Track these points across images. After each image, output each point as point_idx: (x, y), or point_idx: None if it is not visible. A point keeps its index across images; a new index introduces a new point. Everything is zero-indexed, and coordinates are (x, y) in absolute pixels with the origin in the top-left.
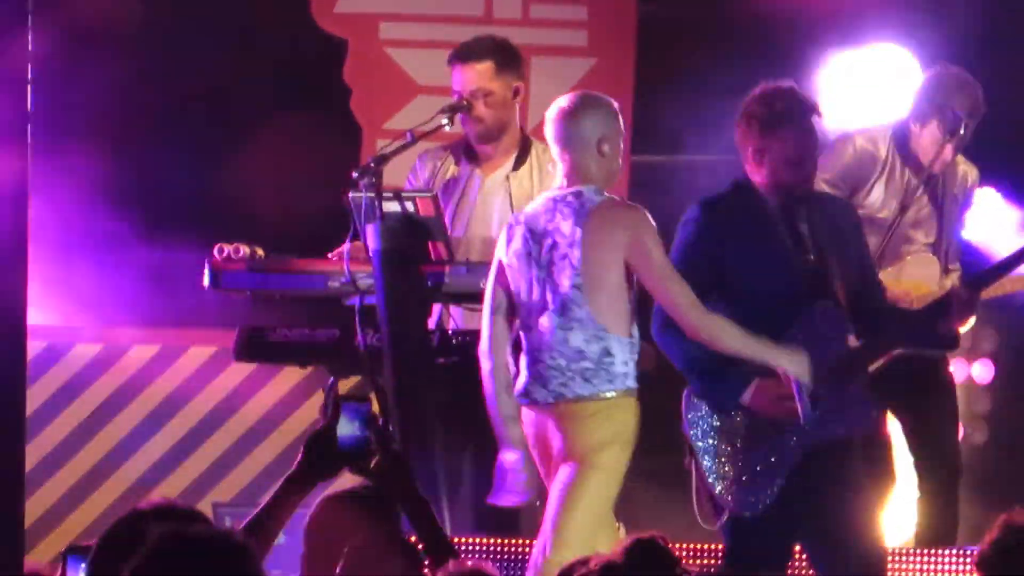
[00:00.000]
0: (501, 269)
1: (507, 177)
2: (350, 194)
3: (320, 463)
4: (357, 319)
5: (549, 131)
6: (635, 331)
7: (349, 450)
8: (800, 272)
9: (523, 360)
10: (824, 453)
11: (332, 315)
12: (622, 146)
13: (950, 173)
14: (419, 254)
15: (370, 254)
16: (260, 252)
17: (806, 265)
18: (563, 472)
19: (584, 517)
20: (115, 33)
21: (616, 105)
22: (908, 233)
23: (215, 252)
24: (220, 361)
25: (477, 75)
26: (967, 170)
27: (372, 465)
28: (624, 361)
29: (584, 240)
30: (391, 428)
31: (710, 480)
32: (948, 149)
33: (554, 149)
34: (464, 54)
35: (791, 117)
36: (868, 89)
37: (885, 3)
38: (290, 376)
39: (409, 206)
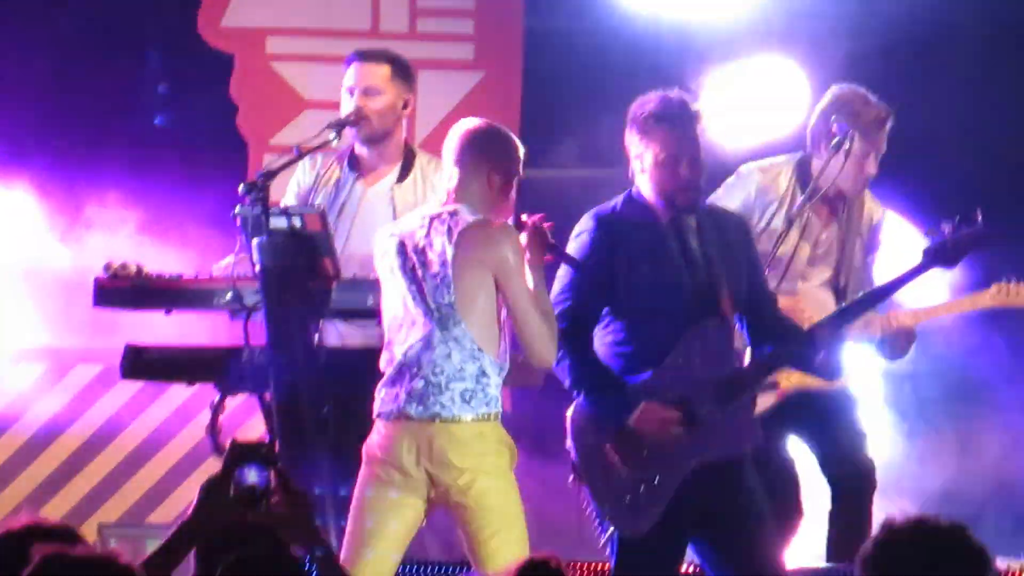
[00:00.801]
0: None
1: (391, 188)
2: (237, 209)
3: (216, 510)
4: (244, 335)
5: (449, 145)
6: (505, 356)
7: (247, 495)
8: (690, 288)
9: (389, 374)
10: (712, 473)
11: (221, 331)
12: (513, 190)
13: (856, 209)
14: (306, 270)
15: (257, 270)
16: (146, 269)
17: (696, 281)
18: (460, 518)
19: (515, 535)
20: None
21: (521, 151)
22: (805, 270)
23: (102, 269)
24: (106, 379)
25: (372, 74)
26: (872, 208)
27: (271, 508)
28: (496, 384)
29: (455, 259)
30: (276, 445)
31: (595, 500)
32: (834, 166)
33: (448, 162)
34: (363, 54)
35: (666, 118)
36: (756, 101)
37: (777, 17)
38: (177, 394)
39: (296, 222)
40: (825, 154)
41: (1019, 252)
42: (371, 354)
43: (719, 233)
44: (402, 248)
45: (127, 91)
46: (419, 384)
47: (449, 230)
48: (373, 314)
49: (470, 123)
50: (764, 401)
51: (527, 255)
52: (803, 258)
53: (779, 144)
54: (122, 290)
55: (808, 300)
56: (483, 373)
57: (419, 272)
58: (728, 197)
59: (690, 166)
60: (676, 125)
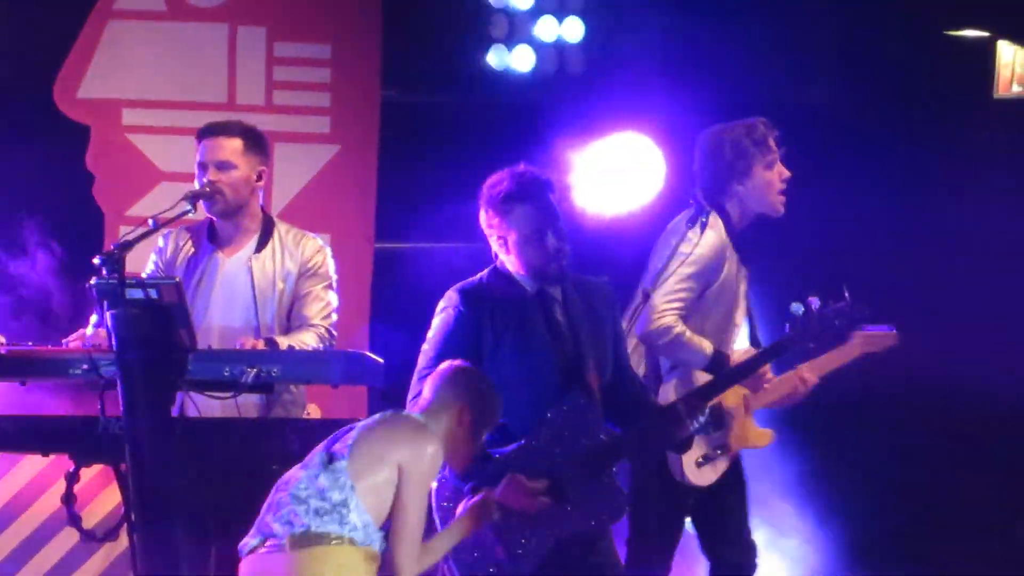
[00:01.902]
0: None
1: (249, 259)
2: (93, 280)
3: None
4: (101, 407)
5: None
6: (381, 537)
7: None
8: (556, 361)
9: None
10: (575, 545)
11: (78, 401)
12: (479, 434)
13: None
14: (162, 341)
15: (113, 341)
16: (2, 339)
17: (562, 354)
18: None
19: None
20: None
21: (498, 416)
22: (737, 319)
23: None
24: None
25: (224, 149)
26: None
27: None
28: (361, 523)
29: (374, 428)
30: (132, 517)
31: (459, 571)
32: (747, 201)
33: (427, 390)
34: (214, 128)
35: (523, 195)
36: (615, 176)
37: (625, 95)
38: (32, 464)
39: (152, 293)
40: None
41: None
42: (228, 425)
43: (585, 303)
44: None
45: None
46: (285, 496)
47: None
48: (229, 386)
49: (461, 367)
50: (721, 466)
51: (462, 516)
52: (740, 309)
53: (640, 211)
54: None
55: (738, 345)
56: (345, 505)
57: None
58: (698, 253)
59: (556, 236)
60: (534, 200)
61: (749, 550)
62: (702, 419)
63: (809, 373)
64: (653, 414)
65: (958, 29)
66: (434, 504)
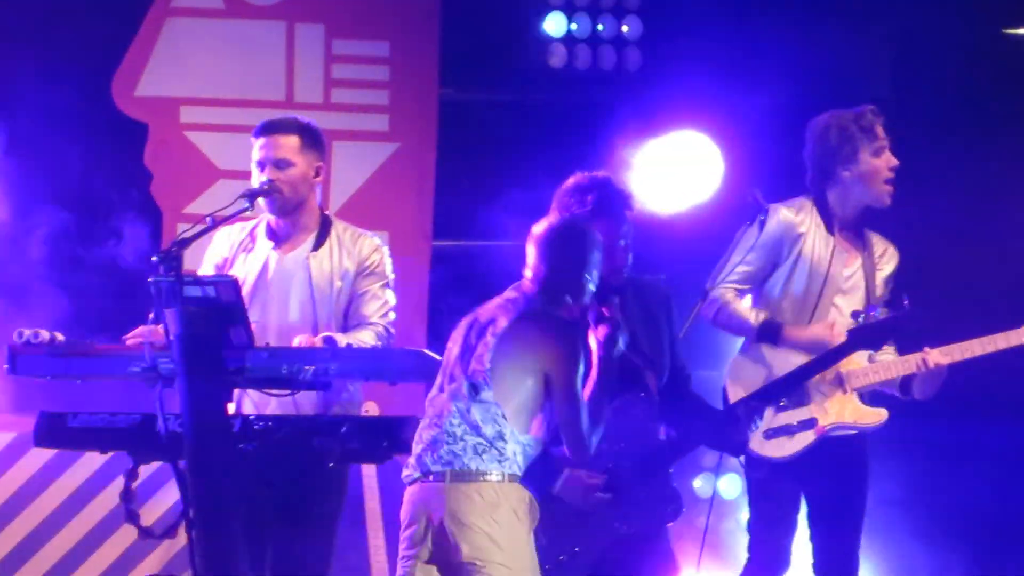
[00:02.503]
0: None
1: (307, 257)
2: (151, 278)
3: None
4: (159, 404)
5: (538, 240)
6: (536, 441)
7: None
8: (613, 363)
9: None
10: (630, 544)
11: (137, 399)
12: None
13: (873, 246)
14: (220, 339)
15: (171, 338)
16: (60, 336)
17: (619, 356)
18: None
19: None
20: None
21: (596, 243)
22: (834, 302)
23: (15, 336)
24: (19, 447)
25: (282, 147)
26: (890, 252)
27: None
28: (514, 451)
29: (507, 335)
30: (191, 515)
31: None
32: (852, 188)
33: (533, 254)
34: (271, 126)
35: (603, 210)
36: (673, 174)
37: (683, 93)
38: (91, 462)
39: (210, 291)
40: (847, 176)
41: None
42: (286, 422)
43: (642, 306)
44: (474, 320)
45: (39, 158)
46: (440, 433)
47: (515, 309)
48: (288, 383)
49: (541, 227)
50: (803, 438)
51: (600, 352)
52: (831, 292)
53: (698, 209)
54: (36, 357)
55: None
56: (500, 436)
57: (474, 341)
58: (753, 235)
59: (623, 250)
60: (612, 216)
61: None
62: (760, 422)
63: (938, 356)
64: (710, 416)
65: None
66: None
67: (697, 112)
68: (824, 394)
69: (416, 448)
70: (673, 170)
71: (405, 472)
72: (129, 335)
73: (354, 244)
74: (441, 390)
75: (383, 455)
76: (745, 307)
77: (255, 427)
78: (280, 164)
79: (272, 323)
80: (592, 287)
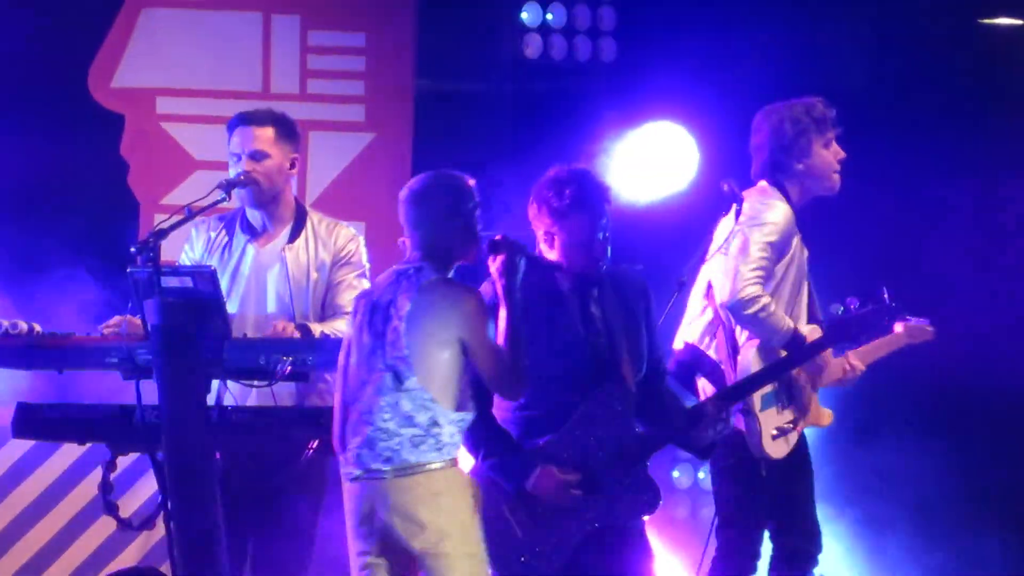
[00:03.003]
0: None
1: (283, 249)
2: (129, 269)
3: None
4: (136, 395)
5: (401, 210)
6: (467, 413)
7: None
8: (590, 354)
9: (348, 429)
10: (607, 537)
11: (114, 389)
12: (476, 222)
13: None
14: (197, 329)
15: (149, 329)
16: (38, 328)
17: (595, 347)
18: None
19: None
20: None
21: (471, 187)
22: (805, 292)
23: None
24: None
25: (257, 138)
26: None
27: None
28: (451, 433)
29: (412, 314)
30: (169, 506)
31: (491, 561)
32: (808, 179)
33: (404, 221)
34: (246, 117)
35: (582, 204)
36: (648, 164)
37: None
38: (69, 453)
39: (187, 281)
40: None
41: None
42: (264, 413)
43: (619, 297)
44: (371, 305)
45: (14, 149)
46: (373, 431)
47: (412, 286)
48: (265, 374)
49: (416, 185)
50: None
51: (503, 281)
52: (806, 281)
53: (673, 199)
54: (14, 348)
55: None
56: (434, 423)
57: (381, 327)
58: (770, 229)
59: (602, 243)
60: (591, 210)
61: (813, 537)
62: (728, 423)
63: (856, 360)
64: (680, 414)
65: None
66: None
67: (672, 103)
68: (806, 391)
69: (352, 445)
70: (649, 161)
71: (345, 470)
72: (104, 325)
73: (330, 235)
74: (362, 383)
75: None
76: (782, 313)
77: (233, 418)
78: (256, 155)
79: (250, 315)
80: (475, 232)
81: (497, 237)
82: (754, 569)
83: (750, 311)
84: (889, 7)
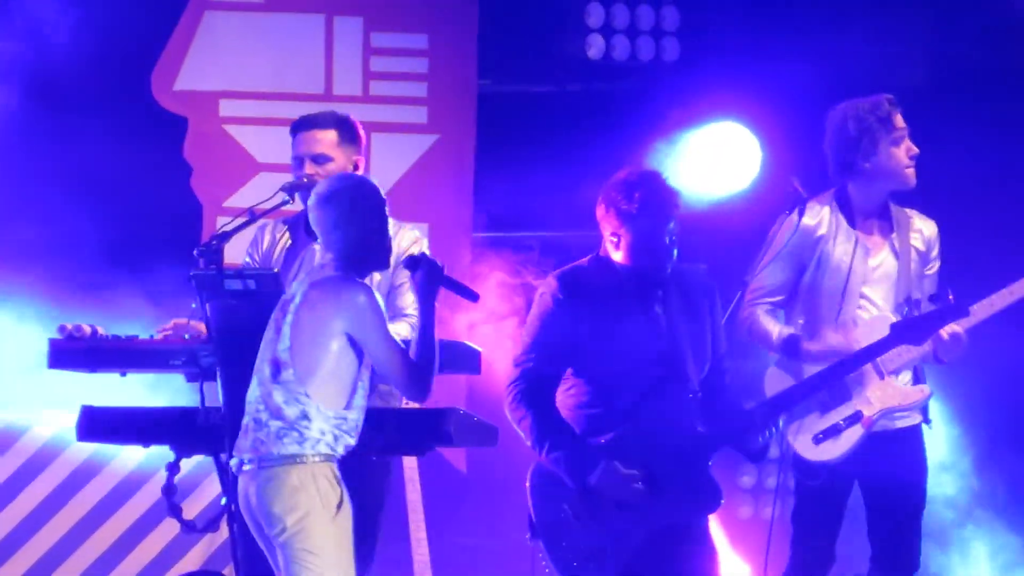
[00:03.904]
0: None
1: None
2: (192, 272)
3: None
4: (200, 397)
5: (314, 209)
6: (352, 413)
7: None
8: (654, 353)
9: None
10: (669, 536)
11: (178, 392)
12: (384, 228)
13: (903, 227)
14: (260, 331)
15: (212, 332)
16: (101, 331)
17: (659, 346)
18: (286, 558)
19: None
20: None
21: (381, 192)
22: (864, 293)
23: (57, 331)
24: (62, 441)
25: (319, 142)
26: (923, 225)
27: None
28: (321, 430)
29: (300, 307)
30: (233, 508)
31: (551, 558)
32: (874, 178)
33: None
34: (309, 121)
35: (651, 208)
36: (711, 163)
37: (721, 82)
38: (132, 456)
39: (251, 284)
40: (870, 165)
41: None
42: None
43: (683, 297)
44: (281, 303)
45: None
46: (248, 420)
47: (308, 282)
48: None
49: (323, 189)
50: (852, 435)
51: (420, 295)
52: (857, 281)
53: (736, 198)
54: (77, 351)
55: (866, 329)
56: (304, 416)
57: (279, 322)
58: (777, 240)
59: (669, 247)
60: (660, 214)
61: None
62: (775, 431)
63: (954, 324)
64: (737, 416)
65: None
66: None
67: (735, 102)
68: (863, 385)
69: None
70: (711, 160)
71: (232, 463)
72: (161, 328)
73: (392, 236)
74: (254, 375)
75: (425, 447)
76: (768, 323)
77: None
78: (318, 159)
79: None
80: (379, 238)
81: (416, 254)
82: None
83: (742, 330)
84: (950, 4)
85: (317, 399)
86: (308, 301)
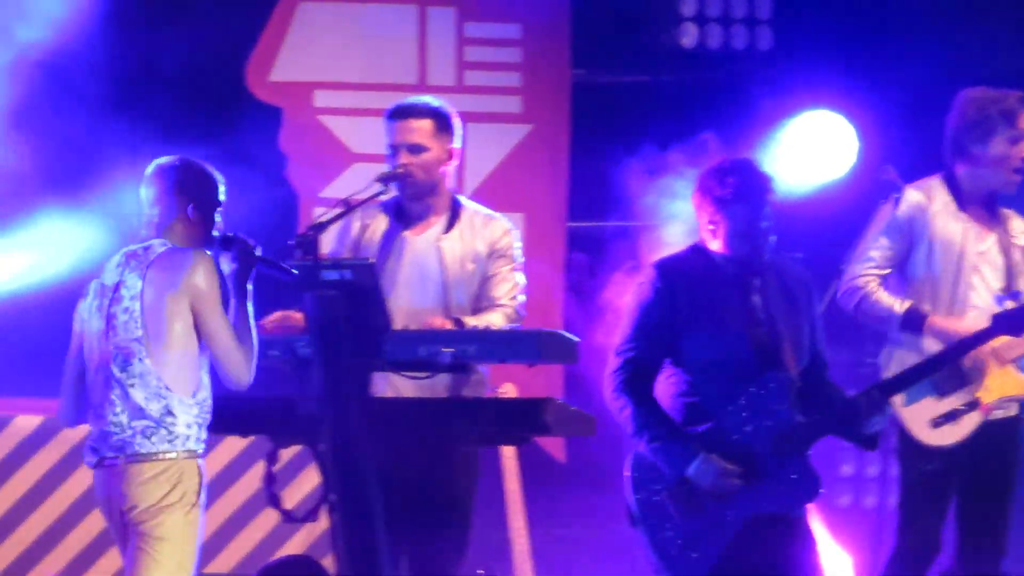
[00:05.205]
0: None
1: (438, 239)
2: (288, 262)
3: None
4: (299, 387)
5: (148, 184)
6: (203, 392)
7: None
8: (751, 343)
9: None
10: (768, 526)
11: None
12: (218, 215)
13: (1006, 224)
14: (357, 322)
15: (309, 323)
16: None
17: (758, 337)
18: (133, 545)
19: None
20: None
21: (220, 181)
22: (972, 280)
23: None
24: None
25: (415, 131)
26: (1020, 222)
27: None
28: (187, 424)
29: (144, 291)
30: (331, 498)
31: (650, 548)
32: (983, 167)
33: (148, 202)
34: (405, 110)
35: (745, 195)
36: (806, 153)
37: (815, 71)
38: (231, 446)
39: (347, 274)
40: (984, 153)
41: None
42: (424, 405)
43: (781, 287)
44: (101, 288)
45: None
46: (105, 424)
47: (140, 264)
48: (425, 365)
49: (162, 162)
50: (971, 420)
51: (234, 274)
52: (969, 267)
53: (832, 188)
54: None
55: (978, 320)
56: (168, 412)
57: (112, 310)
58: (882, 219)
59: (764, 233)
60: (755, 201)
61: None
62: (882, 418)
63: None
64: (841, 405)
65: None
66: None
67: (830, 91)
68: (981, 372)
69: (88, 438)
70: (807, 149)
71: (86, 459)
72: (267, 319)
73: (485, 226)
74: (95, 371)
75: (522, 437)
76: (888, 295)
77: (393, 410)
78: (414, 149)
79: (403, 306)
80: (204, 217)
81: (229, 234)
82: (928, 564)
83: (851, 304)
84: None
85: (176, 388)
86: (153, 283)
